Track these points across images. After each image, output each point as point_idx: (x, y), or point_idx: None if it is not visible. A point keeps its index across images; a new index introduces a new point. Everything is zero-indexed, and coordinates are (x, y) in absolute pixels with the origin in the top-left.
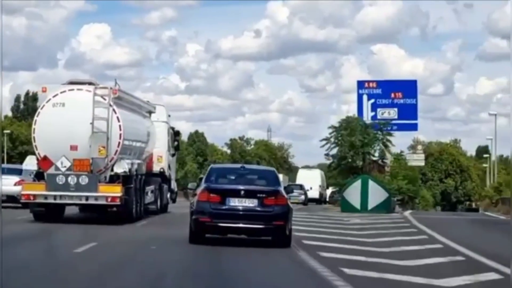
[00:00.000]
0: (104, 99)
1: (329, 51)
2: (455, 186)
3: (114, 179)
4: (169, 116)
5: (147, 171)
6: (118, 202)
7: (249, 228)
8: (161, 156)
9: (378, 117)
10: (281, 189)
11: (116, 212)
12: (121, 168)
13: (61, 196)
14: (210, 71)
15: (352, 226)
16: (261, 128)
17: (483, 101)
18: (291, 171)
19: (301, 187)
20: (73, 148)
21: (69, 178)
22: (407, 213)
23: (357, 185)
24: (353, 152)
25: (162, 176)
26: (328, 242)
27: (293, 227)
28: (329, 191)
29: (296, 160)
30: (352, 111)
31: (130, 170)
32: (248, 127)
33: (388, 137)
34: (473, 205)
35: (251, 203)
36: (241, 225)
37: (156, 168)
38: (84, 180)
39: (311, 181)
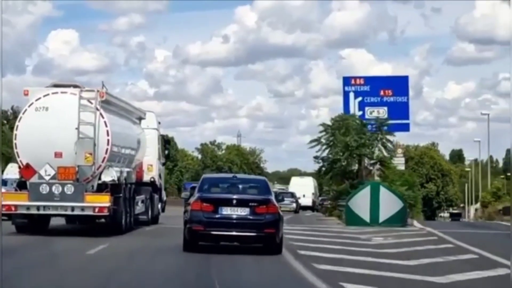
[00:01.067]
0: (91, 103)
1: (298, 56)
2: (437, 191)
3: (101, 188)
4: (159, 123)
5: (137, 180)
6: (106, 212)
7: (241, 236)
8: (151, 165)
9: (367, 116)
10: (272, 197)
11: (104, 223)
12: (109, 176)
13: (44, 207)
14: (179, 77)
15: (380, 249)
16: (230, 134)
17: (451, 105)
18: (265, 176)
19: (292, 195)
20: (58, 155)
21: (54, 187)
22: (420, 224)
23: (365, 193)
24: (348, 154)
25: (153, 186)
26: (370, 284)
27: (304, 251)
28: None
29: (266, 166)
30: (322, 116)
31: (119, 178)
32: (217, 132)
33: (388, 137)
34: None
35: (243, 211)
36: (233, 233)
37: (146, 177)
38: (69, 189)
39: (304, 188)
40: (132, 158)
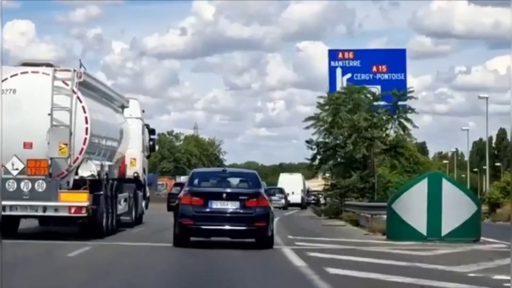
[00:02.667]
0: (66, 84)
1: (255, 49)
2: None
3: (79, 184)
4: (143, 111)
5: (119, 176)
6: (84, 213)
7: (231, 230)
8: (135, 159)
9: None
10: (262, 191)
11: (82, 226)
12: (87, 170)
13: (11, 207)
14: (136, 69)
15: None
16: (187, 126)
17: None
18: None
19: (281, 190)
20: (27, 145)
21: (22, 184)
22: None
23: (420, 190)
24: (355, 138)
25: (137, 182)
26: None
27: None
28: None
29: (225, 158)
30: (279, 108)
31: (99, 173)
32: (173, 125)
33: (409, 115)
34: None
35: (233, 205)
36: (223, 227)
37: (129, 172)
38: (41, 186)
39: (293, 185)
40: (114, 150)
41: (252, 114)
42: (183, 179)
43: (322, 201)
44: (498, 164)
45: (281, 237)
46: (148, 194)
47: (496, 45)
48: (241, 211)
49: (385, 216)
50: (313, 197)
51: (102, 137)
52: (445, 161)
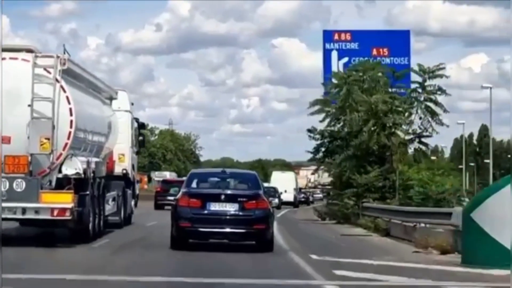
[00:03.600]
0: (48, 72)
1: (230, 45)
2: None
3: (62, 184)
4: (132, 104)
5: (107, 173)
6: (68, 216)
7: (230, 233)
8: (123, 154)
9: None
10: (262, 192)
11: (67, 229)
12: (72, 168)
13: None
14: (111, 65)
15: None
16: (161, 122)
17: None
18: (199, 165)
19: (274, 190)
20: (5, 140)
21: None
22: None
23: (507, 194)
24: (373, 124)
25: (126, 179)
26: None
27: None
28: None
29: (202, 153)
30: (253, 105)
31: (85, 171)
32: (148, 121)
33: (438, 96)
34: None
35: (231, 207)
36: (222, 229)
37: (118, 169)
38: (20, 185)
39: (285, 183)
40: (101, 145)
41: (227, 110)
42: (169, 176)
43: (311, 198)
44: (487, 161)
45: (301, 256)
46: (137, 192)
47: (470, 43)
48: (240, 213)
49: (435, 228)
50: (303, 195)
51: (88, 131)
52: (432, 157)
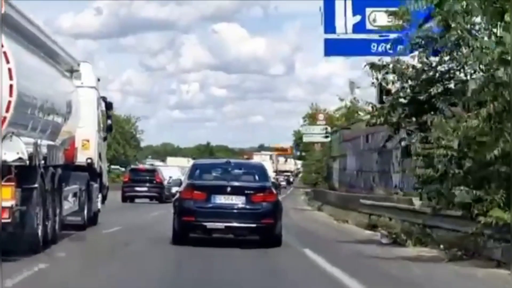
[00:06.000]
0: None
1: (170, 30)
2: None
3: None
4: (99, 80)
5: (66, 162)
6: (7, 218)
7: (236, 227)
8: (88, 140)
9: (367, 26)
10: (270, 184)
11: (7, 235)
12: (13, 152)
13: None
14: None
15: None
16: None
17: (324, 82)
18: (141, 149)
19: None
20: None
21: None
22: None
23: None
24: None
25: (91, 170)
26: None
27: None
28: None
29: (143, 137)
30: (193, 90)
31: (32, 156)
32: None
33: None
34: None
35: (238, 200)
36: (227, 224)
37: (81, 157)
38: None
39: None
40: (58, 127)
41: (166, 96)
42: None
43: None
44: None
45: None
46: (107, 184)
47: None
48: (247, 206)
49: None
50: (282, 178)
51: (37, 105)
52: None
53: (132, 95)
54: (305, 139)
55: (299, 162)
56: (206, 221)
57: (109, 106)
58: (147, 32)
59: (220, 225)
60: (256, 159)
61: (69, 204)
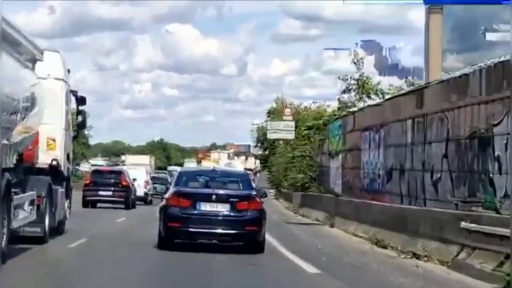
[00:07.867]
0: None
1: (124, 30)
2: None
3: None
4: (69, 71)
5: (24, 164)
6: None
7: (220, 234)
8: (54, 139)
9: None
10: (254, 193)
11: None
12: None
13: None
14: None
15: None
16: None
17: (275, 82)
18: (89, 147)
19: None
20: None
21: None
22: None
23: None
24: None
25: (55, 173)
26: None
27: None
28: None
29: (92, 134)
30: (145, 90)
31: None
32: None
33: None
34: None
35: (222, 207)
36: (212, 230)
37: (44, 159)
38: None
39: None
40: (13, 123)
41: (119, 95)
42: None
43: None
44: None
45: None
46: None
47: (365, 29)
48: (232, 214)
49: None
50: None
51: None
52: None
53: (85, 94)
54: (269, 135)
55: (258, 161)
56: (192, 227)
57: (80, 101)
58: (101, 31)
59: (205, 231)
60: (214, 157)
61: (24, 214)
